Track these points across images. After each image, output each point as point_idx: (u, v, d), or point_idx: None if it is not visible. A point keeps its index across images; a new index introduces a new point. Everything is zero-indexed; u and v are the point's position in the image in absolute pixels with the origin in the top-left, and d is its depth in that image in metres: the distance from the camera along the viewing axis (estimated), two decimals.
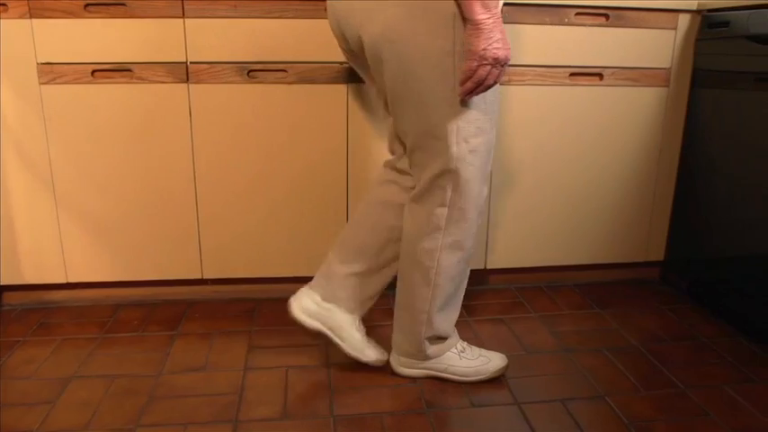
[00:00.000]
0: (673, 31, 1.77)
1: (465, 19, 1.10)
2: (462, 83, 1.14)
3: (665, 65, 1.80)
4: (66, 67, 1.60)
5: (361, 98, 1.71)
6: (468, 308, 1.80)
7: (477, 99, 1.19)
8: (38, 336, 1.62)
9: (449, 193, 1.26)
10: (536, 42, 1.72)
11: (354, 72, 1.68)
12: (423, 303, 1.35)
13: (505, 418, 1.30)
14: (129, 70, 1.62)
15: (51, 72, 1.60)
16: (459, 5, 1.10)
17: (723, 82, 1.68)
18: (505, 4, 1.62)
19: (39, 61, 1.59)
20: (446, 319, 1.39)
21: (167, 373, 1.45)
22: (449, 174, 1.24)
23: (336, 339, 1.42)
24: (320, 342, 1.60)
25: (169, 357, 1.52)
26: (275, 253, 1.80)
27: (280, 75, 1.67)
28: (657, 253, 1.98)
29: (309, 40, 1.65)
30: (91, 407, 1.32)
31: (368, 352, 1.44)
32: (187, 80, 1.64)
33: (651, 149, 1.88)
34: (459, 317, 1.70)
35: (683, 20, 1.77)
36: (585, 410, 1.33)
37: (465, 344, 1.45)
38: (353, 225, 1.43)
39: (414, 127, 1.25)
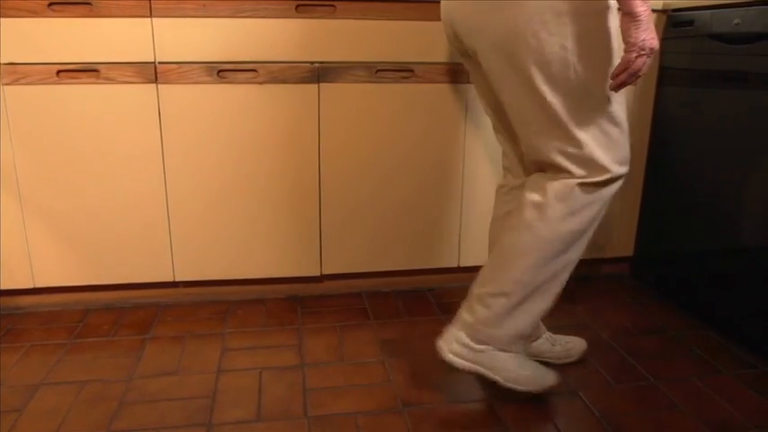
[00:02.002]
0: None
1: (623, 12, 1.12)
2: (617, 74, 1.16)
3: None
4: (29, 67, 1.56)
5: (333, 98, 1.70)
6: (442, 305, 1.81)
7: (591, 87, 1.19)
8: (5, 342, 1.59)
9: (578, 188, 1.24)
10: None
11: (325, 71, 1.67)
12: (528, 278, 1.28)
13: (480, 415, 1.31)
14: (95, 71, 1.59)
15: (15, 72, 1.56)
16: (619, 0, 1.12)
17: (689, 80, 1.71)
18: None
19: (1, 61, 1.55)
20: (531, 311, 1.30)
21: (138, 377, 1.43)
22: (585, 167, 1.23)
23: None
24: (294, 343, 1.59)
25: (140, 362, 1.50)
26: (248, 254, 1.79)
27: (250, 75, 1.65)
28: (627, 248, 2.01)
29: (280, 39, 1.64)
30: (60, 414, 1.29)
31: (573, 353, 1.50)
32: (156, 80, 1.62)
33: None
34: (435, 314, 1.71)
35: None
36: (559, 406, 1.34)
37: (523, 355, 1.37)
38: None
39: (540, 127, 1.23)
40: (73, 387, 1.39)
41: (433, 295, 1.89)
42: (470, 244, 1.90)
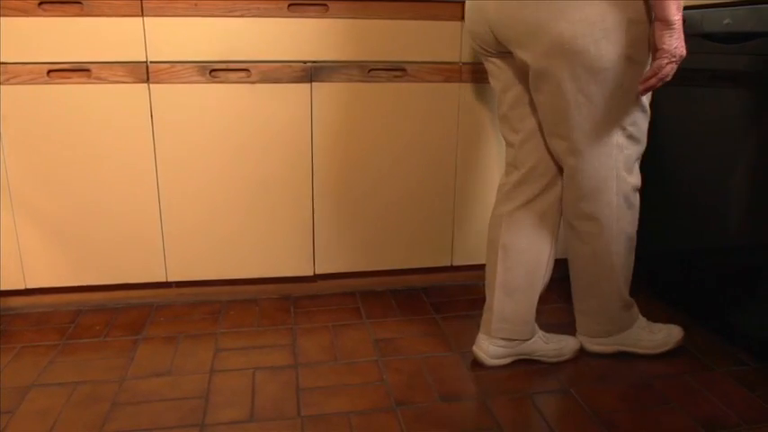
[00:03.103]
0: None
1: (658, 19, 1.17)
2: (647, 79, 1.23)
3: None
4: (20, 66, 1.55)
5: (326, 97, 1.70)
6: (436, 304, 1.82)
7: (631, 92, 1.28)
8: None
9: (615, 182, 1.35)
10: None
11: (318, 71, 1.67)
12: (623, 283, 1.47)
13: (472, 412, 1.31)
14: (86, 70, 1.58)
15: (5, 72, 1.55)
16: (654, 6, 1.17)
17: (680, 79, 1.71)
18: None
19: None
20: (627, 286, 1.49)
21: (131, 378, 1.43)
22: (604, 165, 1.34)
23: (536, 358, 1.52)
24: (288, 343, 1.59)
25: (133, 362, 1.50)
26: (240, 254, 1.79)
27: (242, 74, 1.65)
28: None
29: (273, 39, 1.64)
30: (52, 415, 1.29)
31: (565, 351, 1.52)
32: (147, 80, 1.61)
33: None
34: (428, 313, 1.72)
35: None
36: (551, 403, 1.35)
37: (644, 320, 1.54)
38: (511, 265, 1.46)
39: (576, 131, 1.30)
40: (65, 388, 1.38)
41: (426, 294, 1.90)
42: (463, 243, 1.90)
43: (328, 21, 1.65)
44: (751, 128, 1.49)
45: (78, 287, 1.76)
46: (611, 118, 1.29)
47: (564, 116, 1.29)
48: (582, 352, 1.55)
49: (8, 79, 1.56)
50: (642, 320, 1.54)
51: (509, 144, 1.46)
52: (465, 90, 1.77)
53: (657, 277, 1.88)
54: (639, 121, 1.34)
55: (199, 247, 1.76)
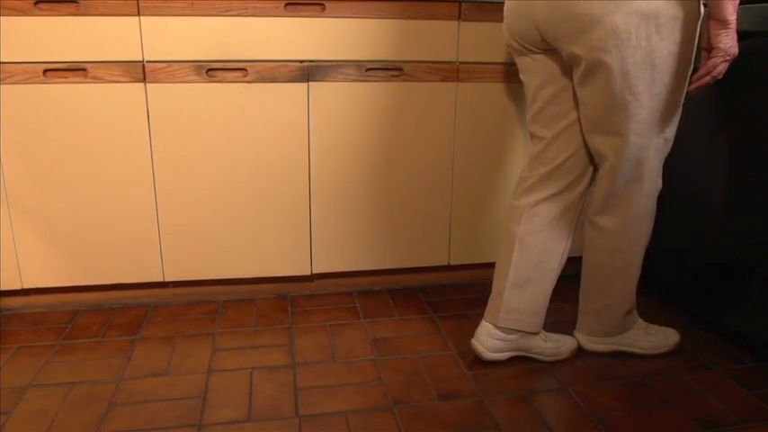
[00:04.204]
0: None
1: (714, 18, 1.19)
2: (701, 77, 1.25)
3: None
4: (15, 66, 1.55)
5: (323, 96, 1.70)
6: (433, 304, 1.82)
7: (675, 92, 1.29)
8: None
9: (646, 183, 1.38)
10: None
11: (315, 70, 1.67)
12: (633, 286, 1.49)
13: (470, 412, 1.31)
14: (83, 70, 1.58)
15: (1, 72, 1.55)
16: (712, 6, 1.19)
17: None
18: None
19: None
20: (635, 290, 1.50)
21: (128, 378, 1.43)
22: (642, 163, 1.35)
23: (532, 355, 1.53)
24: (285, 342, 1.59)
25: (130, 362, 1.49)
26: (238, 254, 1.78)
27: (239, 74, 1.65)
28: None
29: (269, 38, 1.63)
30: (48, 416, 1.28)
31: (563, 350, 1.53)
32: (144, 80, 1.61)
33: None
34: (425, 313, 1.72)
35: None
36: (549, 402, 1.35)
37: (642, 321, 1.56)
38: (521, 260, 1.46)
39: (620, 128, 1.31)
40: (62, 389, 1.38)
41: (423, 294, 1.90)
42: (461, 243, 1.90)
43: (325, 20, 1.64)
44: (748, 127, 1.49)
45: (75, 287, 1.75)
46: (655, 118, 1.30)
47: (609, 112, 1.30)
48: (580, 351, 1.55)
49: (4, 79, 1.55)
50: (640, 321, 1.55)
51: (538, 139, 1.46)
52: (462, 89, 1.77)
53: (656, 276, 1.88)
54: (675, 124, 1.35)
55: (195, 247, 1.76)
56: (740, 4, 1.48)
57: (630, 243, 1.42)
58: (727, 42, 1.20)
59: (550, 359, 1.51)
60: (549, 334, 1.53)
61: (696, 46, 1.28)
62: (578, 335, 1.56)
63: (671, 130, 1.35)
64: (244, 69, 1.65)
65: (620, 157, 1.34)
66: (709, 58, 1.23)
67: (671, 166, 1.75)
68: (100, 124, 1.62)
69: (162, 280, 1.77)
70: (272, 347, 1.57)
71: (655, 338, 1.54)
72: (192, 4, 1.57)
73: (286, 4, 1.62)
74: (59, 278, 1.72)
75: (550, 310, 1.75)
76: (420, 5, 1.67)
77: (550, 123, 1.42)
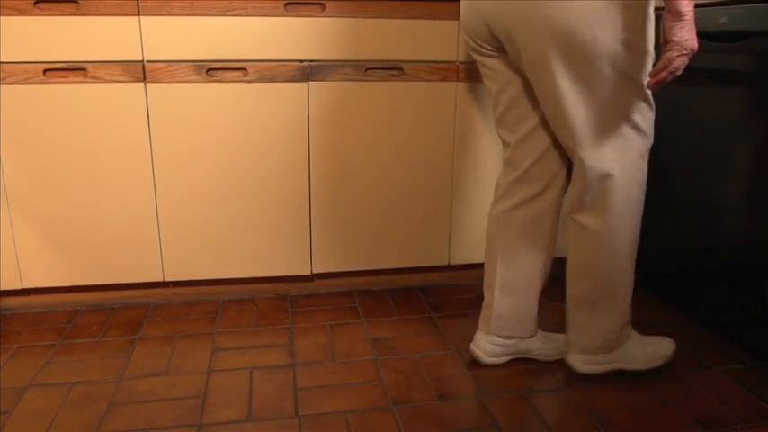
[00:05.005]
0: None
1: (669, 11, 1.15)
2: (657, 72, 1.20)
3: None
4: (15, 66, 1.55)
5: (322, 96, 1.70)
6: (433, 304, 1.82)
7: (630, 82, 1.25)
8: None
9: (620, 176, 1.31)
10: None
11: (315, 70, 1.67)
12: (625, 295, 1.40)
13: (470, 411, 1.31)
14: (82, 69, 1.58)
15: (1, 71, 1.55)
16: None
17: (676, 78, 1.72)
18: None
19: None
20: (629, 298, 1.42)
21: (128, 378, 1.43)
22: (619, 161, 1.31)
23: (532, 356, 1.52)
24: (285, 342, 1.59)
25: (130, 362, 1.49)
26: (238, 254, 1.78)
27: (239, 73, 1.65)
28: None
29: (269, 38, 1.63)
30: (48, 416, 1.28)
31: (563, 350, 1.50)
32: (144, 79, 1.61)
33: None
34: (425, 312, 1.72)
35: None
36: (548, 402, 1.35)
37: (636, 333, 1.48)
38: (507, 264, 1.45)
39: (578, 120, 1.28)
40: (62, 388, 1.38)
41: (423, 293, 1.90)
42: (460, 242, 1.90)
43: (325, 20, 1.64)
44: (748, 127, 1.49)
45: (75, 287, 1.75)
46: (614, 108, 1.26)
47: (564, 106, 1.26)
48: None
49: (4, 78, 1.55)
50: (634, 334, 1.48)
51: (505, 144, 1.45)
52: (462, 89, 1.77)
53: (656, 276, 1.88)
54: (645, 113, 1.30)
55: (195, 247, 1.76)
56: (742, 3, 1.48)
57: (616, 242, 1.34)
58: (683, 36, 1.16)
59: (551, 359, 1.51)
60: (549, 334, 1.53)
61: (654, 38, 1.25)
62: (572, 356, 1.46)
63: (641, 120, 1.29)
64: (244, 69, 1.65)
65: (585, 151, 1.30)
66: (664, 52, 1.19)
67: (672, 166, 1.75)
68: (100, 124, 1.62)
69: (162, 280, 1.77)
70: (271, 347, 1.57)
71: (649, 350, 1.47)
72: (192, 3, 1.57)
73: (286, 4, 1.62)
74: (59, 278, 1.72)
75: (550, 310, 1.75)
76: (420, 5, 1.67)
77: (514, 128, 1.41)
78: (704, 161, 1.63)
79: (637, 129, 1.30)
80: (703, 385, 1.41)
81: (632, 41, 1.22)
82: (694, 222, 1.68)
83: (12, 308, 1.75)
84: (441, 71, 1.74)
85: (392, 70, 1.72)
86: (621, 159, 1.30)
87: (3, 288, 1.70)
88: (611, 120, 1.28)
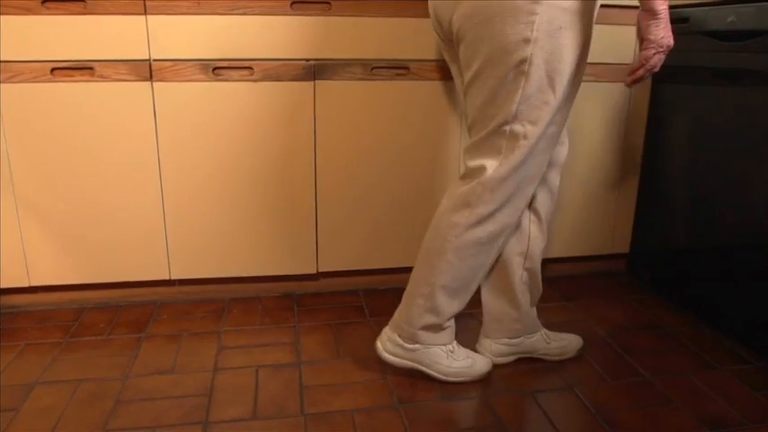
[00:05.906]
0: (634, 27, 1.80)
1: (643, 9, 1.16)
2: (635, 70, 1.21)
3: (628, 60, 1.83)
4: (23, 65, 1.56)
5: (328, 95, 1.70)
6: None
7: (546, 87, 1.19)
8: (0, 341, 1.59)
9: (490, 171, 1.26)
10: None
11: (321, 69, 1.67)
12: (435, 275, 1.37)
13: (476, 411, 1.31)
14: (90, 68, 1.59)
15: (8, 70, 1.55)
16: None
17: (684, 77, 1.72)
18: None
19: None
20: (450, 304, 1.37)
21: (134, 376, 1.43)
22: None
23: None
24: (291, 341, 1.59)
25: (136, 360, 1.50)
26: (243, 252, 1.79)
27: (245, 72, 1.65)
28: (623, 245, 2.01)
29: (275, 37, 1.63)
30: (55, 413, 1.29)
31: (568, 350, 1.51)
32: (150, 78, 1.61)
33: (615, 144, 1.91)
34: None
35: None
36: (554, 402, 1.35)
37: (456, 344, 1.43)
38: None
39: (478, 110, 1.26)
40: (68, 386, 1.39)
41: None
42: None
43: (331, 19, 1.64)
44: (754, 126, 1.48)
45: (82, 285, 1.76)
46: (497, 106, 1.22)
47: (468, 92, 1.27)
48: (585, 350, 1.54)
49: (11, 77, 1.56)
50: (451, 345, 1.43)
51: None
52: None
53: (662, 276, 1.87)
54: (534, 117, 1.22)
55: (202, 245, 1.76)
56: (751, 2, 1.48)
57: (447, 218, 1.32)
58: (658, 33, 1.17)
59: (556, 359, 1.50)
60: (553, 333, 1.53)
61: (588, 37, 1.22)
62: (382, 335, 1.44)
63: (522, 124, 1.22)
64: (250, 68, 1.65)
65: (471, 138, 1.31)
66: (641, 50, 1.19)
67: (682, 165, 1.75)
68: (107, 123, 1.63)
69: (168, 278, 1.78)
70: (277, 346, 1.57)
71: (458, 363, 1.41)
72: (199, 2, 1.58)
73: (292, 3, 1.62)
74: (66, 276, 1.73)
75: (552, 310, 1.75)
76: (425, 4, 1.66)
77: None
78: (713, 160, 1.62)
79: (531, 121, 1.23)
80: (710, 386, 1.41)
81: (541, 41, 1.16)
82: (702, 222, 1.67)
83: (19, 305, 1.76)
84: (447, 70, 1.74)
85: (398, 69, 1.72)
86: (502, 149, 1.26)
87: (10, 286, 1.71)
88: (490, 117, 1.25)
